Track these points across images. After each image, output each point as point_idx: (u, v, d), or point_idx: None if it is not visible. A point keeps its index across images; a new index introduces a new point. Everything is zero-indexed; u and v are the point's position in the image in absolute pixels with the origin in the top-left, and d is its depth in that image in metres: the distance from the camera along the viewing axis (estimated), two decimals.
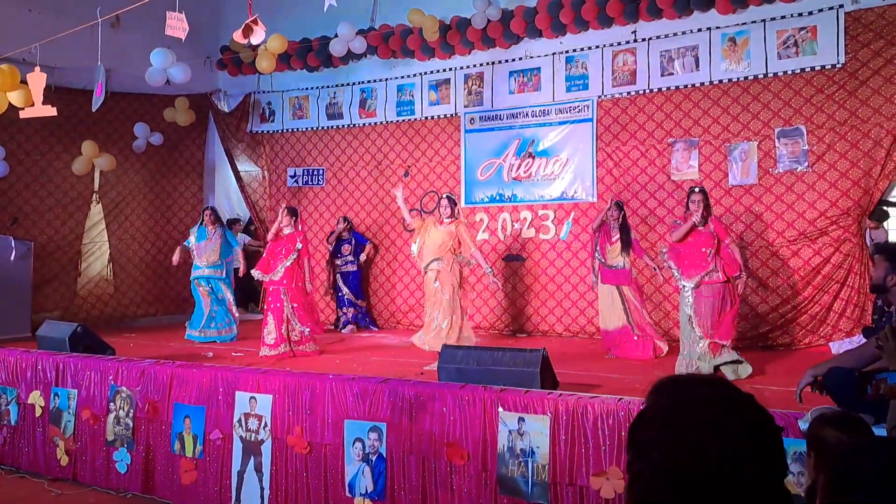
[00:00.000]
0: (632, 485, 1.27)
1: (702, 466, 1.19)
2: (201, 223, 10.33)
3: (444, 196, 8.82)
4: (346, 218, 11.66)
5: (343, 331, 11.13)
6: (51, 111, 8.78)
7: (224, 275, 10.25)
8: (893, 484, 1.43)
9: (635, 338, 8.33)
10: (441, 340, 7.85)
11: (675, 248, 7.50)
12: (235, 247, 10.50)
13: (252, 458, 6.30)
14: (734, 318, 7.25)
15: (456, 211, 8.70)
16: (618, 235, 8.48)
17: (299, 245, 8.96)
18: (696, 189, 7.48)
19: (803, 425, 4.30)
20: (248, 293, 13.36)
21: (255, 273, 9.03)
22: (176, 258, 10.22)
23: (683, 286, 7.30)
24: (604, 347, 8.64)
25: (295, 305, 8.82)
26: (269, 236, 9.04)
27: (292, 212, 9.14)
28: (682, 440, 1.22)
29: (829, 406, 4.30)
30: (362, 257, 11.51)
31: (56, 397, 7.40)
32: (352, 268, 11.50)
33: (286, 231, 9.00)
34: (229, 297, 10.29)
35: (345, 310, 11.41)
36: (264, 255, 9.18)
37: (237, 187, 13.01)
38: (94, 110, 9.07)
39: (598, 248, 8.64)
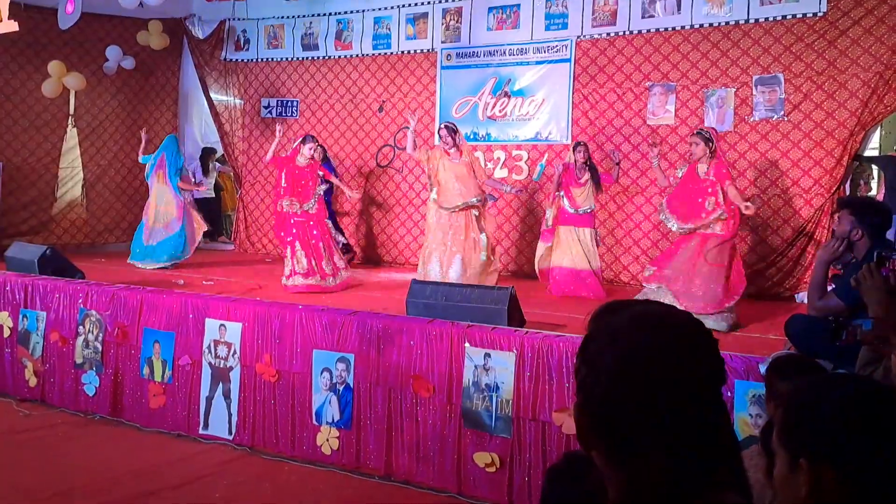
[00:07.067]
0: (586, 402, 1.31)
1: (648, 371, 1.25)
2: None
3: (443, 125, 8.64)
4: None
5: None
6: (12, 26, 8.58)
7: None
8: (846, 418, 1.46)
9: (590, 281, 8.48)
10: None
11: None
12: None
13: (221, 384, 6.36)
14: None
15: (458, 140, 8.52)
16: (587, 175, 8.48)
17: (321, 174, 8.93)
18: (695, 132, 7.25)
19: (763, 369, 4.41)
20: (215, 223, 13.27)
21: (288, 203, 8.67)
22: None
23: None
24: (550, 285, 8.65)
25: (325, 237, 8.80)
26: (269, 156, 8.84)
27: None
28: (629, 348, 1.28)
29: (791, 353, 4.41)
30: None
31: (25, 319, 7.40)
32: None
33: (302, 161, 8.79)
34: None
35: None
36: (285, 185, 8.75)
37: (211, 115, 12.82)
38: (63, 28, 8.89)
39: (562, 194, 8.60)
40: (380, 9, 11.38)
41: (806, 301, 4.61)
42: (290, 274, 8.49)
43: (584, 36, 9.90)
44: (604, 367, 1.28)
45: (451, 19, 10.84)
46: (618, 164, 8.71)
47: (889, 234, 4.92)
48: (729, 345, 5.62)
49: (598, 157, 9.34)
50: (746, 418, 4.65)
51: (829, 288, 4.60)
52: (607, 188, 8.82)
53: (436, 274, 8.25)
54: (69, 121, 12.01)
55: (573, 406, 1.35)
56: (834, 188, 8.45)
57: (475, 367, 5.40)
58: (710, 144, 6.97)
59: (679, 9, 9.27)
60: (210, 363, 6.42)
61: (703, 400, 1.28)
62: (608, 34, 9.75)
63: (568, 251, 8.58)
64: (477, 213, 8.46)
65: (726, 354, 4.80)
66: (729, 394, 4.70)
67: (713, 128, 7.77)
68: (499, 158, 10.48)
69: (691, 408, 1.25)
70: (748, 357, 4.74)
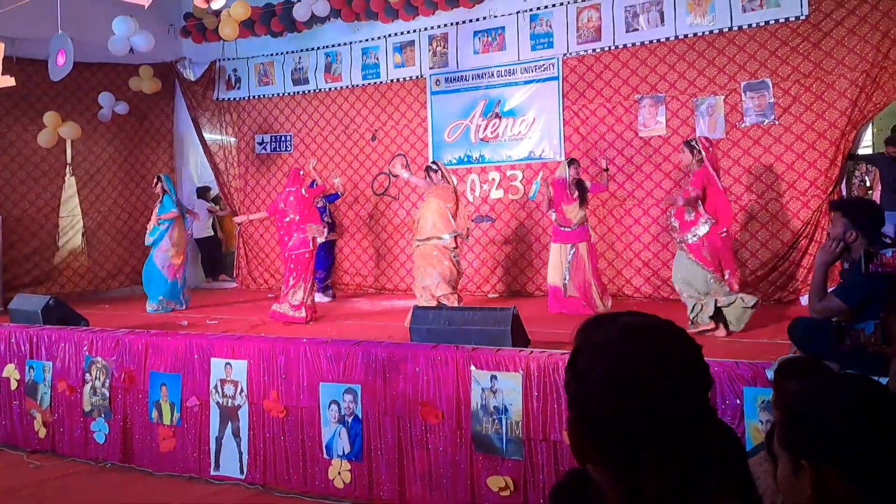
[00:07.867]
0: (579, 415, 1.33)
1: (639, 380, 1.27)
2: None
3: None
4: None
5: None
6: (9, 81, 8.66)
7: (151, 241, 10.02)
8: (847, 419, 1.46)
9: (566, 297, 8.47)
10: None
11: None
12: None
13: (230, 423, 6.35)
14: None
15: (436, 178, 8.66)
16: (577, 192, 8.46)
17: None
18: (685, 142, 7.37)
19: (770, 374, 4.40)
20: (215, 262, 13.32)
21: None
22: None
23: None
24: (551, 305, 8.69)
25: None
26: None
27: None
28: (618, 359, 1.29)
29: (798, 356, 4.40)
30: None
31: (31, 370, 7.39)
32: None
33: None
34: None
35: None
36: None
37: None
38: (56, 80, 8.95)
39: (554, 210, 8.65)
40: (367, 39, 11.47)
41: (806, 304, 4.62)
42: (281, 300, 8.68)
43: (570, 53, 9.96)
44: (595, 380, 1.30)
45: (437, 45, 10.92)
46: (606, 169, 8.78)
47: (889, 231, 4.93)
48: (735, 351, 5.62)
49: (594, 171, 9.36)
50: (757, 425, 4.62)
51: (831, 289, 4.59)
52: (608, 197, 8.99)
53: (432, 279, 8.41)
54: (67, 170, 12.08)
55: (567, 421, 1.37)
56: (830, 188, 8.47)
57: (482, 390, 5.38)
58: (696, 153, 7.05)
59: (662, 21, 9.34)
60: (218, 402, 6.41)
61: (693, 406, 1.29)
62: (594, 50, 9.82)
63: (557, 269, 8.61)
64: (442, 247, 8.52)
65: (732, 362, 4.80)
66: (738, 401, 4.68)
67: (706, 137, 7.77)
68: (494, 179, 10.52)
69: (681, 414, 1.27)
70: (754, 364, 4.73)
